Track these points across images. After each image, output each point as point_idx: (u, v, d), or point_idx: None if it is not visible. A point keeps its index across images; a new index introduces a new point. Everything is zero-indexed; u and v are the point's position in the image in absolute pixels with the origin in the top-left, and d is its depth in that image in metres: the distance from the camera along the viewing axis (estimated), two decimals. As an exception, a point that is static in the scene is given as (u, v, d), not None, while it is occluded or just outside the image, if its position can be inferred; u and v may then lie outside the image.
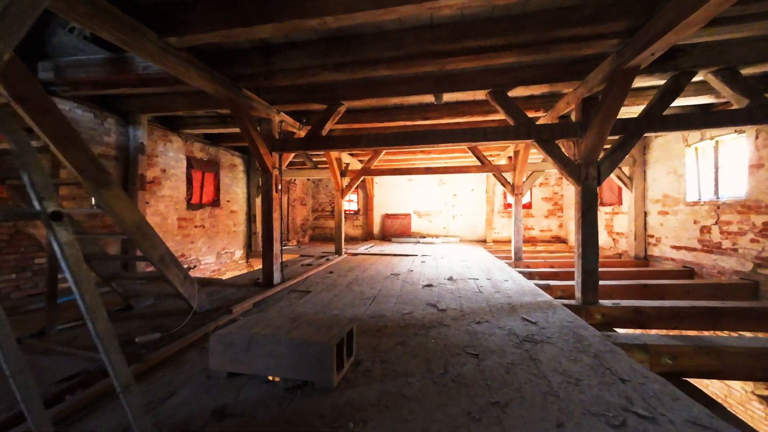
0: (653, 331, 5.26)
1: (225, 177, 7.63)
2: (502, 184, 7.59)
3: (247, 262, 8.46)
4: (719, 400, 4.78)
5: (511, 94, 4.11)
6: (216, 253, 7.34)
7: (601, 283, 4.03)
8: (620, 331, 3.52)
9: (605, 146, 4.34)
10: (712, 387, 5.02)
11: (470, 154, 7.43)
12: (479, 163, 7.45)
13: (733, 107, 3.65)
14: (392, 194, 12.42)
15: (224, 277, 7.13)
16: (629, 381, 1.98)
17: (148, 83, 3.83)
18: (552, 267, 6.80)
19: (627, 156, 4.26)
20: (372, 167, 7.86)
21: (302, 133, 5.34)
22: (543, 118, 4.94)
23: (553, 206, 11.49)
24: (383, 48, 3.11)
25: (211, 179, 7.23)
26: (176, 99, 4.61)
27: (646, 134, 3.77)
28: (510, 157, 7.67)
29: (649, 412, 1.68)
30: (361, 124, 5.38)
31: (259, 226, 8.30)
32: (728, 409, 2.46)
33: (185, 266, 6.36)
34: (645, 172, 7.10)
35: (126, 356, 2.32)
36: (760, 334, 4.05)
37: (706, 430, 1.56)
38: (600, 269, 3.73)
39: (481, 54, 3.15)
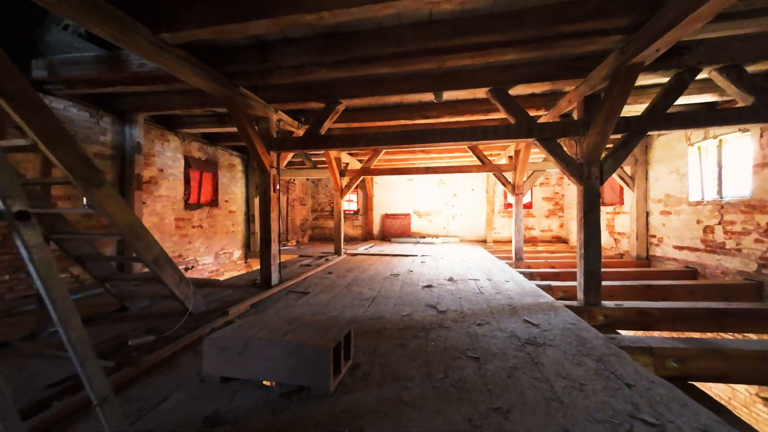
0: (657, 333, 5.21)
1: (223, 177, 7.58)
2: (503, 184, 7.53)
3: (245, 262, 8.41)
4: (723, 402, 4.72)
5: (512, 92, 4.05)
6: (214, 254, 7.28)
7: (602, 283, 3.97)
8: (623, 333, 3.46)
9: (607, 145, 4.27)
10: (715, 389, 4.95)
11: (470, 153, 7.37)
12: (480, 163, 7.39)
13: (738, 105, 3.59)
14: (392, 194, 12.36)
15: (223, 278, 7.08)
16: (635, 386, 1.92)
17: (144, 81, 3.77)
18: (553, 267, 6.74)
19: (629, 155, 4.21)
20: (371, 167, 7.81)
21: (301, 133, 5.28)
22: (544, 116, 4.88)
23: (554, 206, 11.43)
24: (382, 45, 3.05)
25: (209, 179, 7.17)
26: (173, 98, 4.56)
27: (648, 133, 3.71)
28: (511, 157, 7.61)
29: (657, 419, 1.62)
30: (361, 123, 5.32)
31: (257, 227, 8.24)
32: (736, 414, 2.40)
33: (183, 267, 6.31)
34: (647, 171, 7.04)
35: (118, 359, 2.28)
36: (766, 336, 3.99)
37: (717, 438, 1.50)
38: (601, 270, 3.67)
39: (481, 50, 3.09)
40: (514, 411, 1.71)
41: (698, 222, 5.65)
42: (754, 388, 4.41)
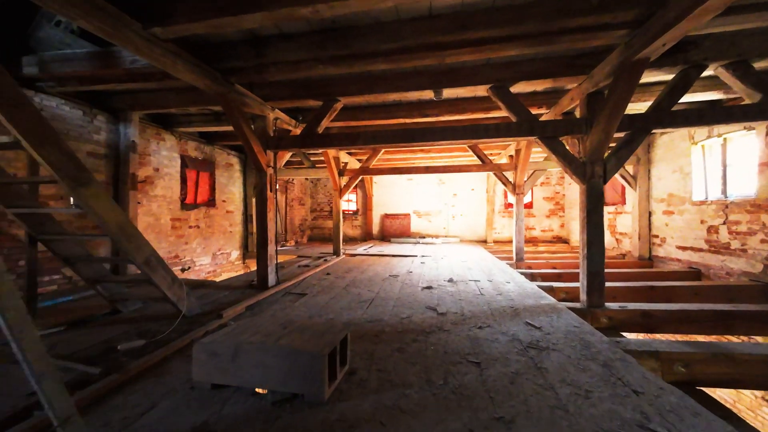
0: (661, 336, 5.13)
1: (221, 176, 7.49)
2: (503, 183, 7.44)
3: (243, 263, 8.33)
4: (728, 406, 4.64)
5: (513, 89, 3.96)
6: (211, 254, 7.20)
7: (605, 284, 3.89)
8: (628, 335, 3.38)
9: (610, 144, 4.19)
10: (719, 392, 4.87)
11: (471, 152, 7.29)
12: (480, 162, 7.31)
13: (743, 102, 3.51)
14: (391, 194, 12.27)
15: (220, 279, 7.00)
16: (643, 393, 1.84)
17: (137, 78, 3.70)
18: (554, 268, 6.66)
19: (632, 154, 4.12)
20: (371, 166, 7.73)
21: (298, 131, 5.20)
22: (545, 115, 4.81)
23: (555, 206, 11.35)
24: (380, 40, 2.96)
25: (206, 179, 7.08)
26: (168, 95, 4.48)
27: (652, 131, 3.63)
28: (511, 156, 7.52)
29: (668, 430, 1.54)
30: (359, 121, 5.24)
31: (255, 227, 8.15)
32: (748, 423, 2.31)
33: (179, 268, 6.23)
34: (649, 170, 6.96)
35: (107, 365, 2.20)
36: (773, 338, 3.91)
37: (732, 450, 1.42)
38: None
39: (482, 46, 3.01)
40: (517, 420, 1.63)
41: (702, 222, 5.57)
42: (759, 391, 4.33)
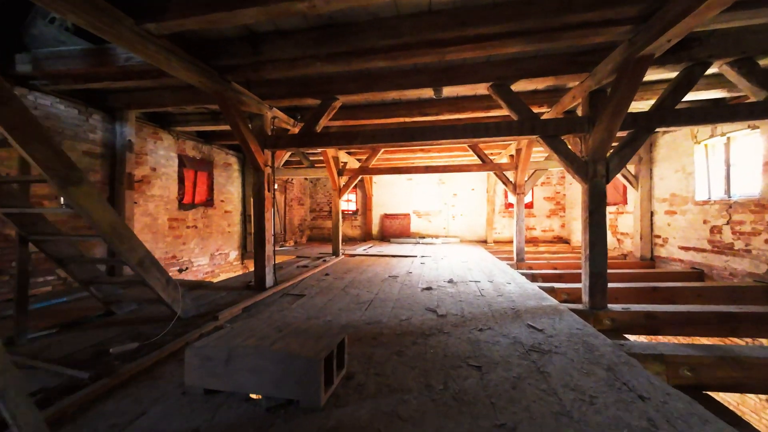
0: (665, 338, 5.07)
1: (219, 176, 7.43)
2: (504, 183, 7.38)
3: (242, 263, 8.27)
4: (732, 409, 4.58)
5: (514, 88, 3.90)
6: (209, 255, 7.14)
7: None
8: (631, 338, 3.32)
9: (613, 143, 4.14)
10: (723, 394, 4.81)
11: (471, 152, 7.24)
12: (480, 162, 7.25)
13: (748, 101, 3.45)
14: (391, 194, 12.22)
15: (218, 279, 6.94)
16: (649, 399, 1.78)
17: (132, 76, 3.64)
18: (555, 268, 6.59)
19: (635, 153, 4.07)
20: (370, 166, 7.67)
21: (296, 130, 5.14)
22: (547, 113, 4.75)
23: (556, 206, 11.29)
24: (378, 37, 2.90)
25: (204, 178, 7.03)
26: (164, 94, 4.42)
27: (655, 130, 3.57)
28: (512, 156, 7.46)
29: (677, 438, 1.49)
30: (358, 120, 5.18)
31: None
32: (754, 426, 2.25)
33: (177, 268, 6.17)
34: (651, 170, 6.90)
35: (98, 369, 2.14)
36: (778, 340, 3.85)
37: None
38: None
39: (483, 42, 2.95)
40: (520, 427, 1.58)
41: (705, 222, 5.51)
42: (765, 395, 4.27)
